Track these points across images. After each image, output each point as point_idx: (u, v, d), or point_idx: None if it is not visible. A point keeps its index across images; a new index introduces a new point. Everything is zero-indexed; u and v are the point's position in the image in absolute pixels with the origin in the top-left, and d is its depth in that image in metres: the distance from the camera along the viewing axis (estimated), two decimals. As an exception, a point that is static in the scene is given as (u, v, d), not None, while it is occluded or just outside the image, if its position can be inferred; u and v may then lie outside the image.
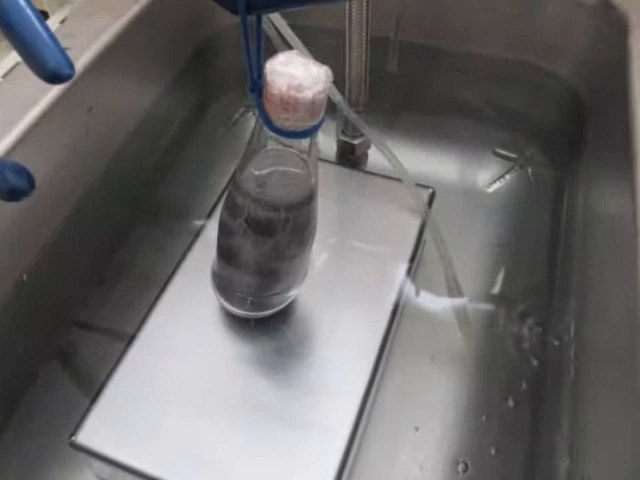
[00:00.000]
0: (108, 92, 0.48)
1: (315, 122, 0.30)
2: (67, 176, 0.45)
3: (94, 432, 0.38)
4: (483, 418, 0.44)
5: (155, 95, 0.55)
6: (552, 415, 0.42)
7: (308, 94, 0.28)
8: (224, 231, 0.39)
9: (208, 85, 0.63)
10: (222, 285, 0.44)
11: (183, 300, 0.46)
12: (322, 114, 0.30)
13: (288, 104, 0.28)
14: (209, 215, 0.50)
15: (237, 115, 0.65)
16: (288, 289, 0.43)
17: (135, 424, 0.39)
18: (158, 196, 0.56)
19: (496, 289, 0.51)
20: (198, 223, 0.50)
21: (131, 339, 0.43)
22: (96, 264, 0.49)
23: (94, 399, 0.39)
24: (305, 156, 0.34)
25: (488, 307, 0.50)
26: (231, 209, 0.38)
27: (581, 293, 0.46)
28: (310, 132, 0.30)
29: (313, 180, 0.35)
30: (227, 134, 0.63)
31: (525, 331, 0.47)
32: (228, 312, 0.45)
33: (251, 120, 0.63)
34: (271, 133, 0.30)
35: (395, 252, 0.49)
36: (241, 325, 0.44)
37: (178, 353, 0.43)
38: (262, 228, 0.36)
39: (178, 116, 0.60)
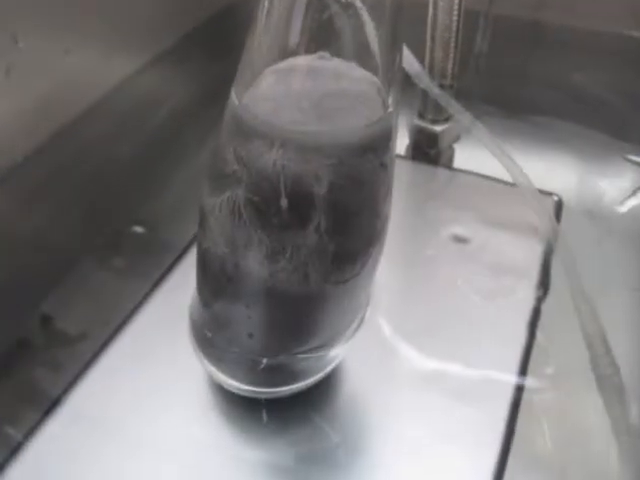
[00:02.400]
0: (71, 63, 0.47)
1: None
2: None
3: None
4: None
5: (134, 73, 0.55)
6: None
7: None
8: (206, 230, 0.29)
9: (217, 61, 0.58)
10: (208, 340, 0.34)
11: (143, 370, 0.37)
12: None
13: None
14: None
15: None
16: (328, 345, 0.32)
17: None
18: (130, 207, 0.49)
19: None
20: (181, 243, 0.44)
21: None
22: (37, 297, 0.42)
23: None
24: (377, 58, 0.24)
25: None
26: (218, 175, 0.26)
27: None
28: None
29: (391, 109, 0.25)
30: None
31: None
32: (222, 387, 0.35)
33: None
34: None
35: (511, 289, 0.41)
36: (244, 411, 0.35)
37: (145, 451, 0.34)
38: (280, 207, 0.25)
39: (171, 98, 0.57)
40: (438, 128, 0.50)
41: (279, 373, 0.34)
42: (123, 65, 0.54)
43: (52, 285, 0.42)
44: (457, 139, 0.51)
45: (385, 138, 0.26)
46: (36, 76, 0.45)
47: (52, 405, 0.35)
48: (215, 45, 0.59)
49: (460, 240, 0.44)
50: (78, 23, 0.48)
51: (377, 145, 0.26)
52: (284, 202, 0.25)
